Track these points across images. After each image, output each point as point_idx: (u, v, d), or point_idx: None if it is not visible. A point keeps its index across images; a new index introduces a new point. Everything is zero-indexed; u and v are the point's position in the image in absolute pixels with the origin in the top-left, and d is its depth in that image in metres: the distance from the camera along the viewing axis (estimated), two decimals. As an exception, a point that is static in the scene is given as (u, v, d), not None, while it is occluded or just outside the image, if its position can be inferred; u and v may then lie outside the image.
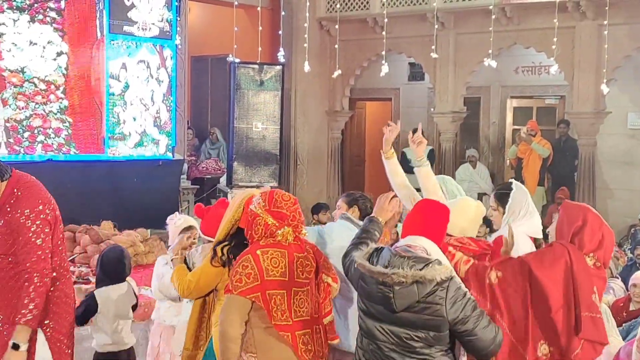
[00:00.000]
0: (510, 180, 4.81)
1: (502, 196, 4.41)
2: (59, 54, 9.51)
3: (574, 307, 3.63)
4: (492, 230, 6.85)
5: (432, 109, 13.35)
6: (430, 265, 3.37)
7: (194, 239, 5.44)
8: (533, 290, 3.66)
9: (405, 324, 3.40)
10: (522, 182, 11.75)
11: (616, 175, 12.26)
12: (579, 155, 11.82)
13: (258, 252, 3.64)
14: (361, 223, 4.51)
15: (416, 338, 3.41)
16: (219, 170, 12.96)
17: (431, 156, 12.61)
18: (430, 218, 3.58)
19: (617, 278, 7.41)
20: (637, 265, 8.36)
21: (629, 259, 8.99)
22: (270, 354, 3.65)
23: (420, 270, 3.33)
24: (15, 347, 3.86)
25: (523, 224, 4.27)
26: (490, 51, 10.75)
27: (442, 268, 3.40)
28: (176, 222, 5.47)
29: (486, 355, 3.55)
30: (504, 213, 4.34)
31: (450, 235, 4.11)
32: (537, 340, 3.64)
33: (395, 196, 4.40)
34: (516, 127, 13.31)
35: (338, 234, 4.53)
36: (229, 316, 3.61)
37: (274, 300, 3.62)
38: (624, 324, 6.24)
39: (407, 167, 13.36)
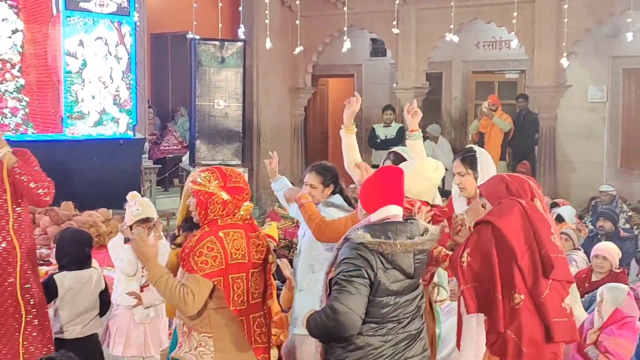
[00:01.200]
0: (467, 146, 4.81)
1: (470, 159, 4.42)
2: (14, 31, 9.30)
3: (537, 250, 3.68)
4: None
5: (394, 85, 13.34)
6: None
7: (148, 229, 5.33)
8: (498, 244, 3.69)
9: (416, 284, 3.54)
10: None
11: (577, 148, 12.39)
12: (540, 129, 11.91)
13: (221, 234, 3.56)
14: (340, 203, 4.56)
15: (422, 295, 3.58)
16: (182, 147, 12.83)
17: (401, 133, 12.60)
18: (391, 185, 3.57)
19: (580, 250, 7.51)
20: (599, 236, 8.47)
21: (590, 230, 9.11)
22: (224, 332, 3.62)
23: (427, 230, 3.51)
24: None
25: None
26: (451, 26, 10.74)
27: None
28: (134, 211, 5.31)
29: None
30: (475, 176, 4.35)
31: (406, 197, 4.10)
32: (510, 291, 3.67)
33: None
34: (478, 102, 13.36)
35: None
36: (199, 297, 3.52)
37: (236, 284, 3.57)
38: (586, 295, 6.33)
39: (375, 143, 13.37)
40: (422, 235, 3.48)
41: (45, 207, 4.59)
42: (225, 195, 3.61)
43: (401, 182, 3.60)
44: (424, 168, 4.32)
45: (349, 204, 4.68)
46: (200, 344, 3.63)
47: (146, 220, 5.30)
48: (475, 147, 4.51)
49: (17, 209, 4.47)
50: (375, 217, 3.50)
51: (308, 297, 4.36)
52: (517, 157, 12.12)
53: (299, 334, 4.47)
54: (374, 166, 12.28)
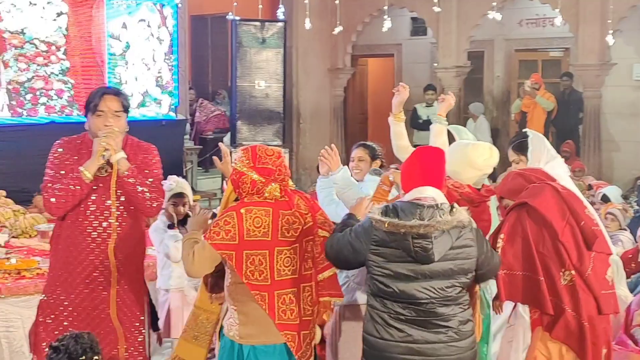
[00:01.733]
0: (523, 130, 4.76)
1: (521, 145, 4.38)
2: (59, 14, 9.39)
3: (575, 223, 3.68)
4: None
5: (435, 64, 13.23)
6: (455, 209, 3.41)
7: (182, 206, 5.41)
8: (536, 224, 3.67)
9: (442, 274, 3.40)
10: (527, 136, 11.80)
11: (621, 127, 12.19)
12: (584, 108, 11.76)
13: (242, 210, 3.60)
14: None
15: (457, 285, 3.45)
16: (221, 114, 12.85)
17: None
18: (430, 166, 3.53)
19: (626, 230, 7.41)
20: (645, 216, 8.35)
21: (636, 211, 8.97)
22: (247, 307, 3.67)
23: (451, 215, 3.37)
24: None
25: (555, 167, 4.22)
26: (494, 4, 10.62)
27: (464, 210, 3.48)
28: (168, 185, 5.36)
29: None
30: (527, 161, 4.32)
31: (449, 177, 4.06)
32: (558, 270, 3.66)
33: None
34: (521, 80, 13.22)
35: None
36: (199, 260, 3.64)
37: (253, 260, 3.60)
38: (632, 276, 6.27)
39: (417, 123, 13.44)
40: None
41: (151, 216, 4.33)
42: (253, 175, 3.65)
43: (441, 163, 3.55)
44: (476, 156, 4.22)
45: None
46: (231, 315, 3.74)
47: (180, 195, 5.39)
48: (530, 132, 4.46)
49: (126, 215, 4.10)
50: (407, 197, 3.48)
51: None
52: (561, 137, 11.98)
53: (344, 304, 4.50)
54: (415, 146, 12.35)
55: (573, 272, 3.65)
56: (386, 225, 3.37)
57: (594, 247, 3.67)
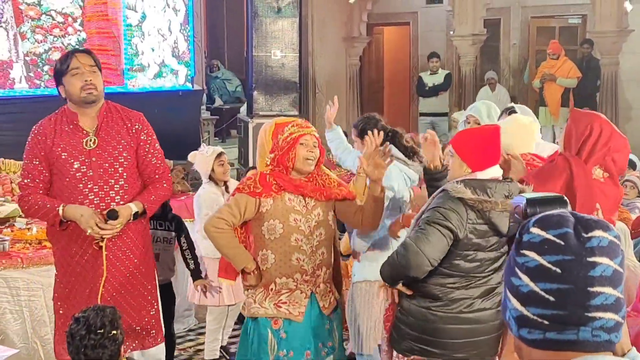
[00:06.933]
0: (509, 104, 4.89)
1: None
2: (75, -15, 9.43)
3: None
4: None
5: (451, 32, 13.15)
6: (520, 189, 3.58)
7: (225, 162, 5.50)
8: None
9: (503, 244, 3.55)
10: (545, 103, 11.76)
11: (639, 94, 12.10)
12: (601, 75, 11.67)
13: None
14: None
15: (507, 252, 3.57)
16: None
17: (448, 80, 12.58)
18: (498, 144, 3.58)
19: (643, 197, 7.38)
20: (662, 185, 8.28)
21: (654, 179, 8.92)
22: None
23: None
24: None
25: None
26: (510, -30, 10.54)
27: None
28: (204, 153, 5.43)
29: None
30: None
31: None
32: None
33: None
34: (538, 48, 13.12)
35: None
36: None
37: None
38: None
39: (423, 91, 13.44)
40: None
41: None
42: None
43: (498, 142, 3.61)
44: (518, 123, 4.37)
45: (408, 155, 4.58)
46: None
47: (221, 155, 5.43)
48: (517, 106, 4.70)
49: None
50: (482, 175, 3.51)
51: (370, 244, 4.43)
52: (578, 104, 11.87)
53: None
54: (421, 114, 12.46)
55: None
56: (500, 206, 3.39)
57: None
